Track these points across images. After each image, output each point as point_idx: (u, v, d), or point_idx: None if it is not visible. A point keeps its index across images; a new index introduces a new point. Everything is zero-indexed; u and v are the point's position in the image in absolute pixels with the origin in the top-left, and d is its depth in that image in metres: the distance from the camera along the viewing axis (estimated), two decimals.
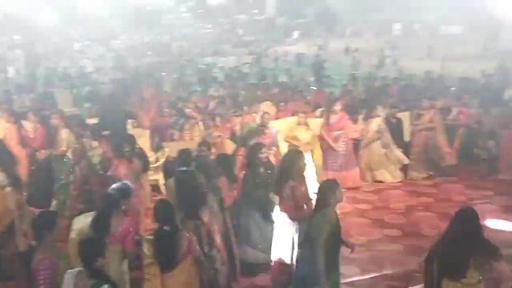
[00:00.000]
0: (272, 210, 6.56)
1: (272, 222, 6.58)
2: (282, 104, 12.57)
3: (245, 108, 12.47)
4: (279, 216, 6.34)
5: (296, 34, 44.32)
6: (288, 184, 6.10)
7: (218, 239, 5.87)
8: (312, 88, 17.28)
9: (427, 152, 10.82)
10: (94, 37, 42.86)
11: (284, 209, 6.24)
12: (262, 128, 9.26)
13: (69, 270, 4.49)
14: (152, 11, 52.59)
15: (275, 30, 50.47)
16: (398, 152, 10.72)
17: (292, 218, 6.17)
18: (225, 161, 7.03)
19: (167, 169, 9.48)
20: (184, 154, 7.13)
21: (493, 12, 32.82)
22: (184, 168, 6.57)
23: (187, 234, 5.21)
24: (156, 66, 25.67)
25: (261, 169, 6.97)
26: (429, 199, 9.69)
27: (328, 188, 5.40)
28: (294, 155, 6.42)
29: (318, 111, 12.39)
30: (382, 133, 10.65)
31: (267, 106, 13.48)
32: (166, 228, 5.18)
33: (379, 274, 7.01)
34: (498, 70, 17.18)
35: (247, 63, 29.11)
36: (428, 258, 4.77)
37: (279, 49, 32.91)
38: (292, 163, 6.22)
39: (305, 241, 5.46)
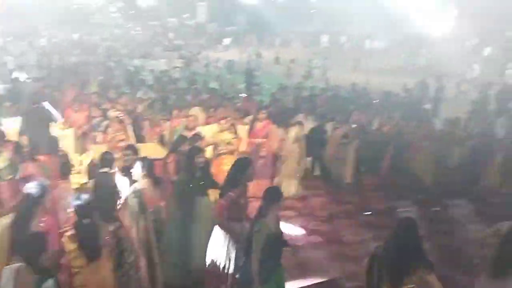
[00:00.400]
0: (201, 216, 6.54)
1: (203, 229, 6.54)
2: (211, 110, 12.58)
3: (175, 112, 12.33)
4: (214, 224, 6.30)
5: (227, 41, 44.48)
6: (235, 190, 6.08)
7: (135, 242, 5.94)
8: (242, 95, 17.38)
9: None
10: (18, 33, 41.15)
11: (222, 215, 6.18)
12: (198, 135, 9.13)
13: (7, 266, 4.39)
14: (80, 10, 51.22)
15: (206, 36, 50.45)
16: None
17: (228, 226, 6.11)
18: (146, 164, 6.92)
19: (91, 172, 9.24)
20: (106, 156, 7.05)
21: (414, 30, 34.40)
22: (105, 170, 6.55)
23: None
24: (83, 66, 24.94)
25: (198, 173, 6.94)
26: (351, 206, 9.95)
27: (271, 197, 5.46)
28: (245, 162, 6.43)
29: (247, 118, 12.54)
30: (299, 142, 10.48)
31: (196, 112, 13.52)
32: (85, 221, 5.35)
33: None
34: (418, 85, 17.97)
35: (177, 67, 28.90)
36: (369, 261, 4.95)
37: (210, 54, 32.91)
38: (243, 170, 6.20)
39: (242, 250, 5.49)
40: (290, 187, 10.31)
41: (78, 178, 9.12)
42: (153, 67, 27.28)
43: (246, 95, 16.23)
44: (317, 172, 11.56)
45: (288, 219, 9.26)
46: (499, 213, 9.59)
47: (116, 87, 18.63)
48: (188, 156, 7.17)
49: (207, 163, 7.56)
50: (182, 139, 8.84)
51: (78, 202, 5.49)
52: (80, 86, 16.29)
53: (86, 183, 8.55)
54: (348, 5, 39.48)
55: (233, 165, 6.33)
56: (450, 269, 7.36)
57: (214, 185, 7.08)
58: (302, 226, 9.00)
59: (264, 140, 10.32)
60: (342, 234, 8.75)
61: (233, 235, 5.96)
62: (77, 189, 8.61)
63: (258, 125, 10.44)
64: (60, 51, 31.44)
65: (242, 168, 6.18)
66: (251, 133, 10.45)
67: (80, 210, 5.45)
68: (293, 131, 10.38)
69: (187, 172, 7.02)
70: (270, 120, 10.74)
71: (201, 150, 7.34)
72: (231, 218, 6.03)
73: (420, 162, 10.81)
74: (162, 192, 7.01)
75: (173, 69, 28.38)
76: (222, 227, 6.08)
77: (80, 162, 9.63)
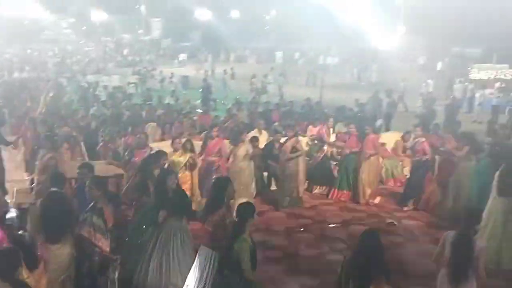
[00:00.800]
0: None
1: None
2: (167, 126, 12.53)
3: (130, 129, 12.20)
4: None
5: (182, 56, 44.41)
6: (219, 211, 6.06)
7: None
8: (198, 111, 17.37)
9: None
10: None
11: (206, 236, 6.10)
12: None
13: None
14: (31, 25, 50.18)
15: (160, 52, 50.29)
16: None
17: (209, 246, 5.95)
18: (100, 183, 6.73)
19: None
20: (56, 175, 6.85)
21: (366, 45, 35.30)
22: (55, 189, 6.40)
23: None
24: (33, 82, 24.42)
25: (169, 195, 6.80)
26: (308, 220, 10.03)
27: (246, 212, 5.48)
28: (225, 182, 6.41)
29: (203, 134, 12.55)
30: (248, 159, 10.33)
31: (152, 128, 13.44)
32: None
33: None
34: (371, 100, 18.38)
35: (132, 83, 28.66)
36: (341, 267, 5.21)
37: (165, 70, 32.71)
38: (224, 189, 6.18)
39: (229, 269, 5.44)
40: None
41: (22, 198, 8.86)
42: (106, 83, 26.99)
43: (202, 111, 16.19)
44: (273, 187, 11.61)
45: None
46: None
47: (70, 103, 18.40)
48: (160, 179, 7.01)
49: (179, 185, 7.45)
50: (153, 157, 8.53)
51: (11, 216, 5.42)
52: (31, 102, 15.93)
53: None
54: (302, 22, 40.18)
55: (212, 186, 6.35)
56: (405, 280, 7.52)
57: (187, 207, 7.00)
58: (259, 242, 8.99)
59: (216, 158, 10.22)
60: (299, 248, 8.80)
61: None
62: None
63: (211, 142, 10.37)
64: (10, 67, 30.66)
65: (222, 188, 6.19)
66: (205, 150, 10.33)
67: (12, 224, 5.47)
68: (243, 148, 10.28)
69: (158, 195, 6.83)
70: (222, 137, 10.68)
71: (173, 172, 7.23)
72: (216, 239, 5.96)
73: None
74: (117, 210, 6.90)
75: (128, 85, 28.16)
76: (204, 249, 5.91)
77: (32, 180, 9.40)
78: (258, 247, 8.54)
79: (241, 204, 5.74)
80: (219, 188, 6.27)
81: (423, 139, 11.01)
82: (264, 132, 12.42)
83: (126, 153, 10.42)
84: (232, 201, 6.58)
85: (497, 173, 8.31)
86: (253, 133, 12.24)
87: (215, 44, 47.41)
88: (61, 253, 6.01)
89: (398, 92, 20.20)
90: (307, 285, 7.52)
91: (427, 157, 10.70)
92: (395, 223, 9.97)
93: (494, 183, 8.27)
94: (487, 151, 10.37)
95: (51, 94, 18.49)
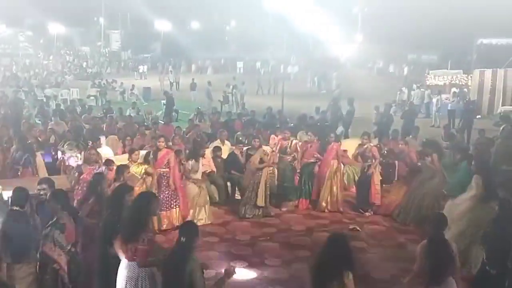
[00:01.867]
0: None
1: None
2: (128, 138, 12.41)
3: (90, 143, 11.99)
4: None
5: (142, 68, 44.07)
6: (148, 230, 5.75)
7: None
8: (160, 122, 17.26)
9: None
10: None
11: (135, 255, 5.67)
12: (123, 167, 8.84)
13: None
14: None
15: (121, 64, 49.83)
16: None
17: (141, 265, 5.65)
18: (61, 197, 6.56)
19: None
20: (18, 193, 6.58)
21: (326, 54, 35.88)
22: (16, 208, 6.20)
23: None
24: None
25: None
26: (272, 229, 10.07)
27: (191, 232, 5.30)
28: (150, 196, 6.14)
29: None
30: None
31: (112, 141, 13.30)
32: None
33: None
34: (330, 107, 18.64)
35: (92, 96, 28.30)
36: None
37: (126, 82, 32.34)
38: (148, 204, 5.83)
39: None
40: (199, 215, 10.21)
41: None
42: (65, 97, 26.59)
43: (163, 122, 16.11)
44: (238, 196, 11.63)
45: (210, 245, 9.27)
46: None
47: (28, 117, 18.01)
48: (116, 194, 6.67)
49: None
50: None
51: None
52: None
53: None
54: (261, 32, 40.54)
55: (135, 201, 5.90)
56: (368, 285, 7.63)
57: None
58: (224, 252, 9.00)
59: (167, 170, 9.86)
60: (264, 257, 8.83)
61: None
62: None
63: (159, 154, 9.94)
64: None
65: (146, 203, 5.81)
66: (155, 163, 9.94)
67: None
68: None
69: (114, 212, 6.39)
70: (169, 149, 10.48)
71: (131, 188, 6.96)
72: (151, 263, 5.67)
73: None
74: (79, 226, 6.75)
75: (88, 97, 27.79)
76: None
77: None
78: (222, 257, 8.69)
79: (185, 224, 5.58)
80: (145, 203, 5.77)
81: (371, 145, 11.27)
82: (226, 142, 12.44)
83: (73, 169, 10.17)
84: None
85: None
86: (216, 143, 12.27)
87: (175, 55, 47.31)
88: (24, 272, 5.88)
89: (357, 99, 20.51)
90: None
91: (372, 162, 10.97)
92: (358, 228, 10.11)
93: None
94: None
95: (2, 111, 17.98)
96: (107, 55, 52.86)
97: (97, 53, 53.17)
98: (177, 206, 9.84)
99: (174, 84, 35.30)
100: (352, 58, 35.40)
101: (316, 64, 38.65)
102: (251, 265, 8.48)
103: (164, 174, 9.74)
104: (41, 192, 6.96)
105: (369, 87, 28.61)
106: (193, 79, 31.59)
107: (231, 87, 28.73)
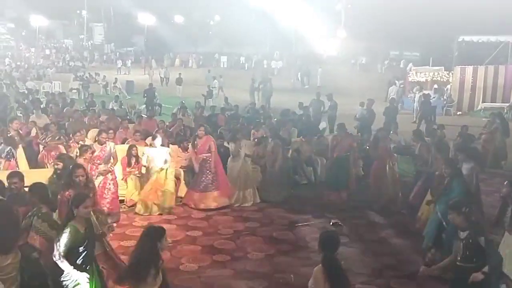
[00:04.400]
0: None
1: None
2: (110, 132, 12.30)
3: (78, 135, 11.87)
4: None
5: (125, 61, 43.75)
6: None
7: None
8: (143, 116, 17.17)
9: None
10: None
11: None
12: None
13: None
14: None
15: (104, 57, 49.42)
16: None
17: None
18: (39, 190, 6.59)
19: None
20: None
21: (309, 50, 35.97)
22: None
23: None
24: None
25: None
26: (255, 223, 10.12)
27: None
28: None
29: (148, 140, 12.48)
30: None
31: (94, 134, 13.19)
32: None
33: None
34: (313, 102, 18.72)
35: (75, 89, 28.07)
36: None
37: (108, 76, 32.08)
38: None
39: None
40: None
41: None
42: (47, 90, 26.33)
43: (147, 116, 16.04)
44: None
45: (193, 239, 9.29)
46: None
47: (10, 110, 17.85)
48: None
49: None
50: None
51: None
52: None
53: None
54: (245, 27, 40.46)
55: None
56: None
57: None
58: (208, 245, 9.02)
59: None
60: (247, 251, 8.87)
61: None
62: None
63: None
64: None
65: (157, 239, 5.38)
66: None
67: None
68: None
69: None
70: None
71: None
72: None
73: None
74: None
75: (70, 91, 27.57)
76: None
77: None
78: (204, 251, 8.72)
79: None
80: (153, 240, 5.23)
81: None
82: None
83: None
84: None
85: None
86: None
87: (159, 49, 47.06)
88: (8, 263, 5.86)
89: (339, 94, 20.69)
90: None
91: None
92: (340, 223, 10.19)
93: None
94: None
95: None
96: (89, 48, 52.38)
97: (80, 46, 52.67)
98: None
99: (165, 79, 35.09)
100: (335, 54, 35.50)
101: (299, 59, 38.72)
102: (233, 259, 8.52)
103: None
104: (12, 186, 7.00)
105: (352, 83, 28.77)
106: (179, 73, 31.48)
107: (214, 81, 28.75)
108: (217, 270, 8.10)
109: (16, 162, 10.83)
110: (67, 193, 7.16)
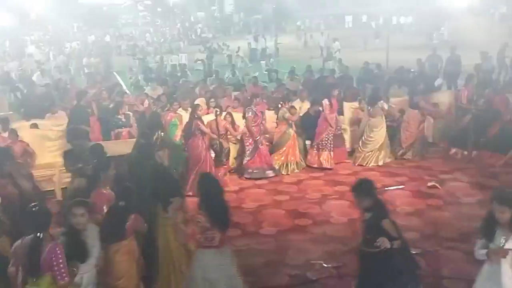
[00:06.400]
0: None
1: None
2: (212, 100, 12.62)
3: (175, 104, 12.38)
4: None
5: (252, 29, 44.33)
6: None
7: None
8: (243, 84, 17.32)
9: None
10: (48, 38, 42.41)
11: None
12: None
13: None
14: (108, 11, 52.21)
15: (232, 27, 50.52)
16: None
17: None
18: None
19: None
20: None
21: (438, 3, 33.45)
22: None
23: None
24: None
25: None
26: (345, 187, 9.78)
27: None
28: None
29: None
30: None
31: (200, 103, 13.64)
32: None
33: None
34: (429, 58, 17.51)
35: (199, 60, 29.12)
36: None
37: (239, 44, 32.57)
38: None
39: None
40: None
41: None
42: (175, 62, 27.60)
43: (253, 82, 16.15)
44: None
45: (279, 203, 9.31)
46: None
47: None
48: None
49: None
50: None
51: None
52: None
53: None
54: None
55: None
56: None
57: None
58: (293, 209, 8.99)
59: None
60: (331, 215, 8.70)
61: None
62: None
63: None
64: (86, 54, 32.08)
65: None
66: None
67: None
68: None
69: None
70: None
71: None
72: None
73: None
74: None
75: (195, 62, 28.70)
76: None
77: None
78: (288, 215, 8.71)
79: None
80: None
81: None
82: (306, 102, 12.19)
83: None
84: None
85: None
86: (296, 103, 12.10)
87: (286, 15, 46.91)
88: None
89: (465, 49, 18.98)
90: (330, 251, 7.43)
91: None
92: (438, 186, 9.55)
93: None
94: None
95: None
96: (220, 19, 53.90)
97: (211, 17, 54.37)
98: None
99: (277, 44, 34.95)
100: (468, 5, 32.59)
101: (429, 14, 36.30)
102: (315, 224, 8.41)
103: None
104: None
105: (489, 35, 26.34)
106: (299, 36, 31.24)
107: (336, 43, 28.13)
108: (296, 235, 8.05)
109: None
110: None
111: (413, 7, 38.89)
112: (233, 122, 11.11)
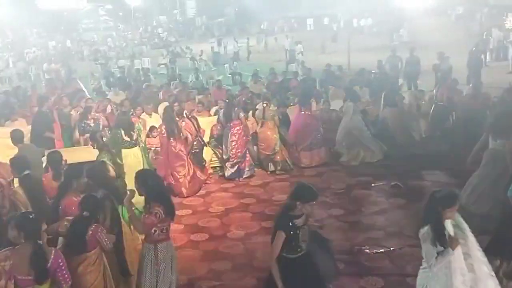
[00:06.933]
0: None
1: None
2: (176, 104, 12.56)
3: (138, 109, 12.30)
4: None
5: (215, 33, 44.36)
6: None
7: None
8: (206, 88, 17.39)
9: None
10: (7, 44, 41.53)
11: None
12: None
13: None
14: (69, 16, 51.43)
15: (199, 32, 50.39)
16: None
17: None
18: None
19: None
20: None
21: (398, 5, 34.10)
22: None
23: None
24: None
25: None
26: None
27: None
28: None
29: (213, 109, 12.69)
30: None
31: (162, 107, 13.58)
32: None
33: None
34: (389, 59, 17.87)
35: (162, 64, 28.97)
36: None
37: (202, 48, 32.48)
38: None
39: None
40: None
41: None
42: (138, 67, 27.37)
43: (216, 86, 16.19)
44: None
45: (246, 206, 9.32)
46: None
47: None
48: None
49: None
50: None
51: None
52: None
53: None
54: None
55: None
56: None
57: None
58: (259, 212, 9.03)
59: None
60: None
61: None
62: None
63: None
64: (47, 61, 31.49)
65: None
66: None
67: None
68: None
69: None
70: None
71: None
72: None
73: None
74: None
75: (158, 66, 28.55)
76: None
77: None
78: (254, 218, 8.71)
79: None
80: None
81: None
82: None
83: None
84: None
85: None
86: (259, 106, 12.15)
87: (248, 18, 47.06)
88: None
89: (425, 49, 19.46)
90: None
91: None
92: (401, 185, 9.73)
93: None
94: None
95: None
96: (182, 22, 53.70)
97: (173, 21, 54.13)
98: None
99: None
100: (428, 6, 33.36)
101: (388, 16, 37.01)
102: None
103: None
104: None
105: (445, 36, 27.01)
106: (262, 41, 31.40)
107: (298, 45, 28.35)
108: (263, 237, 8.07)
109: None
110: None
111: (373, 9, 39.55)
112: (198, 126, 11.13)
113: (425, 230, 4.70)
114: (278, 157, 11.01)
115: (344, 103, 12.27)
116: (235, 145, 10.65)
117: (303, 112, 11.46)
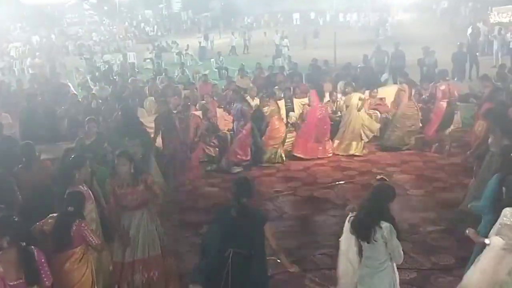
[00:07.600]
0: None
1: None
2: (161, 99, 12.52)
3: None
4: None
5: (201, 28, 44.17)
6: None
7: None
8: (192, 82, 17.29)
9: None
10: None
11: None
12: None
13: None
14: (53, 11, 50.81)
15: (184, 26, 50.16)
16: None
17: None
18: None
19: None
20: None
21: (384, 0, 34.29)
22: None
23: None
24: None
25: None
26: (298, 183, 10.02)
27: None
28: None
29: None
30: None
31: (150, 102, 13.56)
32: None
33: None
34: (375, 54, 17.93)
35: (148, 58, 28.80)
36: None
37: (188, 43, 32.31)
38: None
39: None
40: None
41: None
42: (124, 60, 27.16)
43: (202, 80, 16.14)
44: None
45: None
46: None
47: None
48: None
49: None
50: None
51: None
52: None
53: None
54: None
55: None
56: None
57: None
58: None
59: None
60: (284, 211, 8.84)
61: None
62: None
63: None
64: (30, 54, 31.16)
65: None
66: None
67: None
68: None
69: None
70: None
71: None
72: None
73: None
74: None
75: (144, 61, 28.38)
76: None
77: None
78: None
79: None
80: None
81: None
82: (256, 99, 12.28)
83: None
84: None
85: None
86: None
87: (234, 13, 46.94)
88: None
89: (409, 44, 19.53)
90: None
91: None
92: (386, 179, 9.76)
93: None
94: None
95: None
96: (168, 17, 53.38)
97: (159, 15, 53.78)
98: None
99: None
100: (416, 1, 33.55)
101: (375, 10, 37.15)
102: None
103: None
104: None
105: (430, 30, 27.16)
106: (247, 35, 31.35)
107: (285, 40, 28.34)
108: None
109: None
110: None
111: (359, 4, 39.66)
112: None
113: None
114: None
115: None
116: None
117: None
